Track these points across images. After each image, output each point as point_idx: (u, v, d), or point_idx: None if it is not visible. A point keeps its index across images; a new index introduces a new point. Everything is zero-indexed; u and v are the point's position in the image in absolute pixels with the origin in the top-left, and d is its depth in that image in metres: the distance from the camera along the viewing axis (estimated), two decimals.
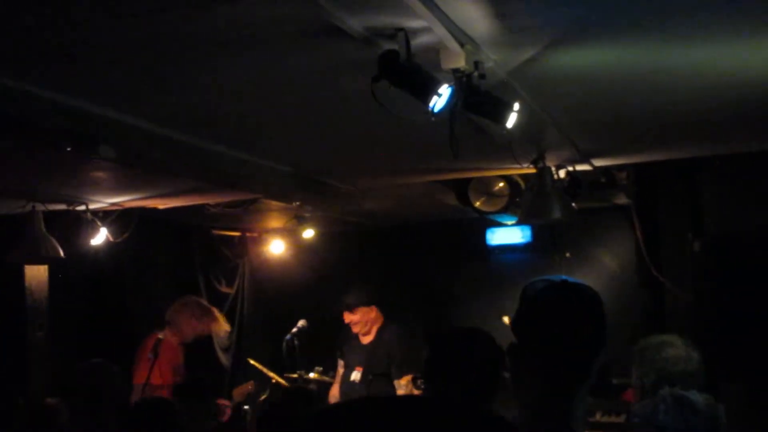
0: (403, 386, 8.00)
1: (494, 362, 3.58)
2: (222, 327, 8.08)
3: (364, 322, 8.36)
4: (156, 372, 7.55)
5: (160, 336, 7.68)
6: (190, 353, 9.60)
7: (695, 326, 8.17)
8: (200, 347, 10.12)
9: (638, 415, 3.47)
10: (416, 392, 7.68)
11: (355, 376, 8.34)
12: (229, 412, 8.30)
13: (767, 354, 7.80)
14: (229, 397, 8.54)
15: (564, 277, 2.56)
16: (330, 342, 9.88)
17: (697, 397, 3.41)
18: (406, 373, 7.93)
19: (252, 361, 9.22)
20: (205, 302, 8.03)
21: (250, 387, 8.75)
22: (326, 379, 8.88)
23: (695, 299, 8.54)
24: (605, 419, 7.77)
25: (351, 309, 8.35)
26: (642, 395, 4.13)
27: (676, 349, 4.10)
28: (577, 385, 2.44)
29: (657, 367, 4.07)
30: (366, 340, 8.41)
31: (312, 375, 8.74)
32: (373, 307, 8.41)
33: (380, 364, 8.22)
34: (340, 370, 8.56)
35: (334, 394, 8.40)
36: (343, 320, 8.48)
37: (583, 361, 2.44)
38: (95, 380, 5.34)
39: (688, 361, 4.08)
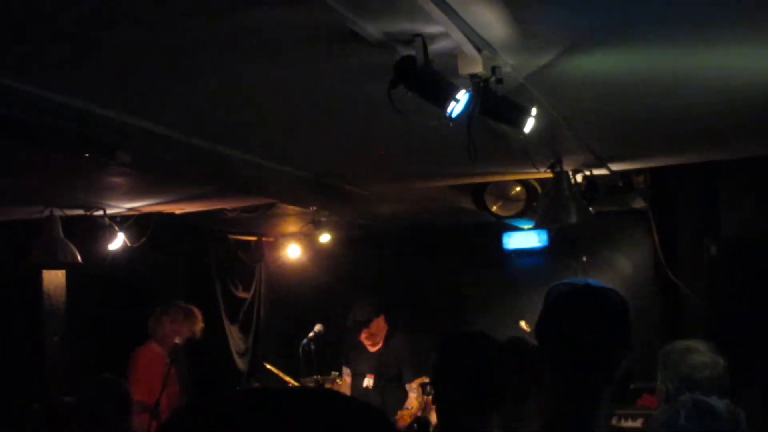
0: (414, 389, 8.01)
1: (500, 366, 3.58)
2: (200, 328, 7.88)
3: (378, 333, 8.39)
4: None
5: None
6: (206, 358, 9.62)
7: (712, 330, 8.14)
8: (216, 351, 10.15)
9: (659, 421, 3.45)
10: (426, 398, 7.68)
11: (368, 382, 8.35)
12: None
13: None
14: None
15: (589, 280, 2.53)
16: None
17: (717, 402, 3.39)
18: (418, 377, 7.95)
19: (268, 366, 9.23)
20: (184, 304, 7.85)
21: None
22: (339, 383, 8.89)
23: (712, 303, 8.51)
24: (622, 424, 7.75)
25: (367, 325, 8.36)
26: (666, 400, 4.11)
27: (701, 355, 4.08)
28: (600, 390, 2.41)
29: (681, 373, 4.05)
30: (374, 348, 8.41)
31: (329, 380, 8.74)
32: (382, 316, 8.43)
33: (390, 369, 8.24)
34: (348, 378, 8.55)
35: None
36: (346, 330, 8.54)
37: (607, 365, 2.41)
38: (101, 394, 5.28)
39: (713, 367, 4.06)
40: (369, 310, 8.39)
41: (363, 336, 8.40)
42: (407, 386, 8.10)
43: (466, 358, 3.59)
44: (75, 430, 5.27)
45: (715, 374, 4.06)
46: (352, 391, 8.37)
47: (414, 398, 8.09)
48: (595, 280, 2.55)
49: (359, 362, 8.40)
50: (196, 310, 7.82)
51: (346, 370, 8.53)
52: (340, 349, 8.64)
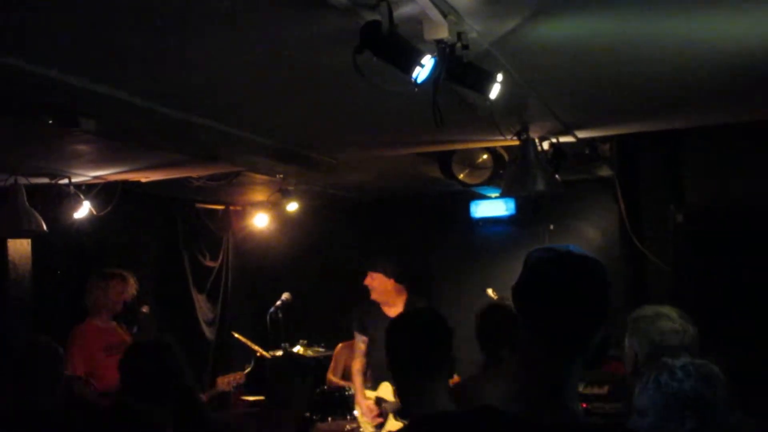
0: None
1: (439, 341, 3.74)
2: (133, 288, 7.79)
3: (380, 291, 8.27)
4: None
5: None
6: (174, 327, 9.62)
7: (677, 297, 8.22)
8: (184, 320, 10.15)
9: (655, 391, 3.44)
10: None
11: None
12: None
13: (748, 324, 7.85)
14: (213, 384, 8.54)
15: (570, 246, 2.51)
16: (314, 315, 9.92)
17: (712, 365, 3.40)
18: None
19: (236, 335, 9.24)
20: (108, 270, 7.76)
21: (239, 378, 8.73)
22: (309, 353, 8.91)
23: (677, 270, 8.58)
24: (587, 390, 7.81)
25: (371, 269, 8.29)
26: (634, 367, 4.13)
27: (672, 321, 4.10)
28: (575, 358, 2.41)
29: (651, 339, 4.06)
30: (392, 312, 8.23)
31: (297, 348, 8.76)
32: (392, 281, 8.32)
33: None
34: (362, 345, 8.32)
35: (359, 368, 8.18)
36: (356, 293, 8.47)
37: (584, 333, 2.40)
38: (30, 355, 5.21)
39: (683, 334, 4.08)
40: (381, 263, 8.30)
41: (365, 281, 8.30)
42: None
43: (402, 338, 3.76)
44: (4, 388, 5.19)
45: (685, 341, 4.08)
46: (369, 358, 8.23)
47: None
48: (576, 246, 2.53)
49: (377, 328, 8.22)
50: (124, 272, 7.73)
51: (360, 337, 8.37)
52: (351, 314, 8.54)
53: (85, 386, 7.09)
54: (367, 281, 8.27)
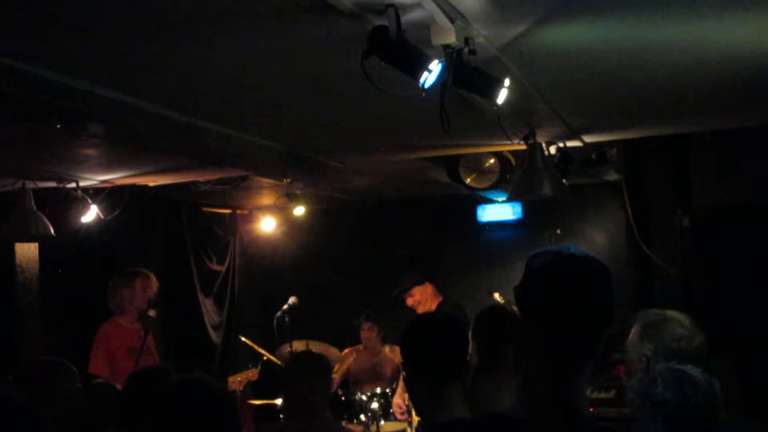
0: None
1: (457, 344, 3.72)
2: (155, 286, 7.80)
3: (423, 302, 8.35)
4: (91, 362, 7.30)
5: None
6: (181, 331, 9.62)
7: (684, 301, 8.22)
8: (190, 324, 10.16)
9: (635, 390, 3.45)
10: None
11: None
12: None
13: (756, 328, 7.84)
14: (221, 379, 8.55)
15: (572, 247, 2.48)
16: (321, 319, 9.91)
17: (695, 371, 3.40)
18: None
19: (243, 338, 9.25)
20: (129, 268, 7.77)
21: (252, 376, 8.73)
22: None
23: (684, 274, 8.58)
24: (595, 395, 7.81)
25: (408, 291, 8.40)
26: (644, 371, 4.10)
27: (682, 327, 4.07)
28: (582, 362, 2.37)
29: (666, 344, 4.04)
30: None
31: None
32: (428, 284, 8.43)
33: None
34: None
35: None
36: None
37: (589, 336, 2.37)
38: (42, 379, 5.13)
39: (692, 340, 4.06)
40: (413, 276, 8.42)
41: (408, 303, 8.42)
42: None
43: (418, 340, 3.73)
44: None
45: (693, 347, 4.05)
46: None
47: None
48: (578, 248, 2.48)
49: None
50: (145, 271, 7.74)
51: None
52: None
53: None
54: (410, 302, 8.38)
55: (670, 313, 4.18)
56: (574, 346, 2.36)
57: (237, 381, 8.62)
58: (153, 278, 7.72)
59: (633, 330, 4.13)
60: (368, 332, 8.77)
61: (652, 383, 3.37)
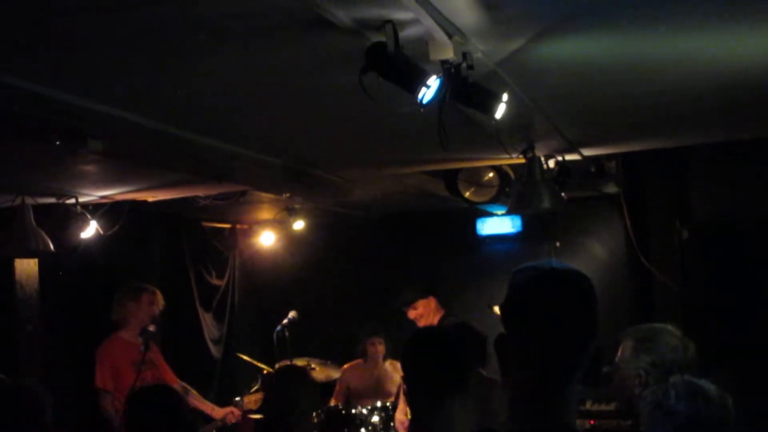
0: None
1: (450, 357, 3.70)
2: (161, 303, 7.82)
3: (426, 316, 8.37)
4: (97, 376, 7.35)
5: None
6: (180, 345, 9.62)
7: (683, 313, 8.22)
8: (190, 339, 10.15)
9: (648, 400, 3.46)
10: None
11: None
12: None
13: (754, 340, 7.84)
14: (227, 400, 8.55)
15: (553, 262, 2.50)
16: (321, 333, 9.92)
17: (708, 385, 3.41)
18: None
19: (241, 355, 9.25)
20: (137, 284, 7.81)
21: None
22: (316, 369, 8.90)
23: (683, 287, 8.58)
24: (595, 408, 7.80)
25: (411, 305, 8.42)
26: (644, 384, 4.10)
27: (674, 338, 4.09)
28: (569, 375, 2.38)
29: (663, 356, 4.05)
30: None
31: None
32: (432, 298, 8.46)
33: None
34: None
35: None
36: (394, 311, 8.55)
37: (575, 349, 2.37)
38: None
39: (687, 349, 4.08)
40: (416, 289, 8.45)
41: (410, 315, 8.44)
42: None
43: (420, 354, 3.71)
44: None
45: (687, 357, 4.07)
46: None
47: None
48: (560, 262, 2.51)
49: None
50: (152, 287, 7.77)
51: None
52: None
53: (113, 402, 7.16)
54: (412, 315, 8.38)
55: (659, 325, 4.21)
56: (559, 359, 2.37)
57: (253, 401, 8.58)
58: (159, 296, 7.76)
59: (624, 345, 4.15)
60: (377, 346, 8.77)
61: (665, 394, 3.38)
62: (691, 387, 3.38)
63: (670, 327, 4.16)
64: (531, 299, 2.42)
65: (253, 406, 8.48)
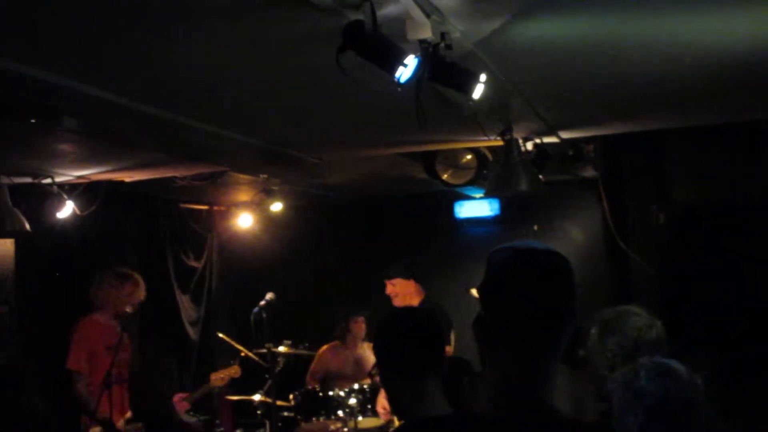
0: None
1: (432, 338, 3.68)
2: (143, 292, 7.81)
3: (402, 296, 8.41)
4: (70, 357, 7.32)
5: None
6: (157, 327, 9.58)
7: (660, 297, 8.25)
8: (167, 321, 10.12)
9: (618, 381, 3.46)
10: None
11: None
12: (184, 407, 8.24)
13: (731, 324, 7.88)
14: (204, 381, 8.55)
15: (531, 242, 2.48)
16: (298, 315, 9.90)
17: (679, 365, 3.41)
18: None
19: (221, 335, 9.23)
20: (122, 269, 7.79)
21: (234, 372, 8.69)
22: (293, 351, 8.89)
23: (660, 271, 8.61)
24: None
25: (390, 278, 8.52)
26: (612, 366, 4.12)
27: (638, 317, 4.11)
28: (549, 356, 2.38)
29: (630, 336, 4.07)
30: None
31: (281, 348, 8.74)
32: (412, 282, 8.53)
33: None
34: None
35: None
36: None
37: (555, 327, 2.37)
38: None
39: (651, 328, 4.10)
40: (398, 268, 8.56)
41: (387, 290, 8.55)
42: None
43: (399, 331, 3.68)
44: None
45: (656, 336, 4.09)
46: None
47: None
48: (538, 242, 2.50)
49: None
50: (137, 275, 7.76)
51: None
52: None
53: (87, 386, 7.14)
54: (389, 290, 8.47)
55: (623, 307, 4.22)
56: (539, 337, 2.36)
57: (219, 378, 8.59)
58: (142, 285, 7.76)
59: (592, 332, 4.17)
60: (360, 324, 8.81)
61: (635, 375, 3.38)
62: (660, 368, 3.37)
63: (634, 308, 4.18)
64: (509, 278, 2.41)
65: (220, 383, 8.49)
